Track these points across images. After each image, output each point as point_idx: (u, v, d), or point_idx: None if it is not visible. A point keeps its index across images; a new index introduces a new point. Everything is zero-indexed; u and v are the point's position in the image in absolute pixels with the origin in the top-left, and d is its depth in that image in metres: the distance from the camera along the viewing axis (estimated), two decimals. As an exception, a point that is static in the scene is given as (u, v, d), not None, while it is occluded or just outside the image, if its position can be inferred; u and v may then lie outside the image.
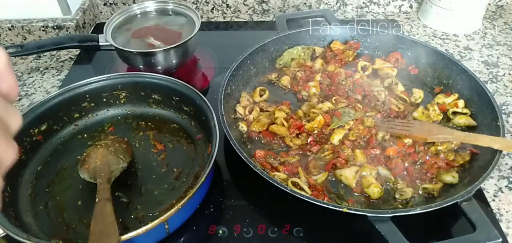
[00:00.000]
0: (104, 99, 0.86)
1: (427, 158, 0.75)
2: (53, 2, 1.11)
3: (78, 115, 0.84)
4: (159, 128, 0.84)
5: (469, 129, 0.81)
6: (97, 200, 0.63)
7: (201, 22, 0.98)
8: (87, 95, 0.84)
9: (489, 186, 0.74)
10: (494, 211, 0.70)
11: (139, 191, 0.72)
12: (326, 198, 0.69)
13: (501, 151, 0.69)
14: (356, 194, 0.71)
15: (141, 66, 0.95)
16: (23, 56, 1.09)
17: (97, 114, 0.86)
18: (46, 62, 1.08)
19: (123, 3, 1.25)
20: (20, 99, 0.96)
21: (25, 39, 1.15)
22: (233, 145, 0.70)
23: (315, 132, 0.81)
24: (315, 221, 0.67)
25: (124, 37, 0.98)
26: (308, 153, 0.77)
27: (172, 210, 0.59)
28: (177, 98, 0.83)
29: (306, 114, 0.85)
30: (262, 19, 1.26)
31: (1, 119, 0.31)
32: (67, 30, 1.13)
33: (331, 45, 1.01)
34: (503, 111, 0.89)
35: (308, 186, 0.70)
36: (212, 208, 0.70)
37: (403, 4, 1.26)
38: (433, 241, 0.63)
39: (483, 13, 1.17)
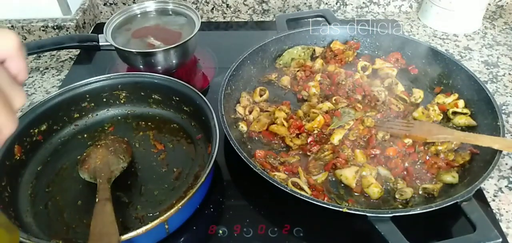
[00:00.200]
0: (104, 99, 0.86)
1: (427, 158, 0.75)
2: (53, 2, 1.11)
3: (78, 115, 0.84)
4: (159, 128, 0.84)
5: (469, 129, 0.81)
6: (97, 200, 0.63)
7: (201, 22, 0.98)
8: (87, 95, 0.84)
9: (489, 186, 0.74)
10: (494, 211, 0.70)
11: (139, 191, 0.72)
12: (326, 198, 0.69)
13: (501, 151, 0.69)
14: (356, 194, 0.71)
15: (141, 66, 0.95)
16: (23, 56, 1.09)
17: (97, 114, 0.86)
18: (46, 62, 1.08)
19: (123, 3, 1.25)
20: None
21: (25, 39, 1.15)
22: (233, 145, 0.70)
23: (315, 132, 0.81)
24: (315, 221, 0.67)
25: (124, 37, 0.98)
26: (308, 153, 0.77)
27: (172, 210, 0.59)
28: (177, 98, 0.83)
29: (306, 114, 0.85)
30: (262, 19, 1.26)
31: (6, 94, 0.34)
32: (67, 30, 1.13)
33: (331, 45, 1.01)
34: (503, 111, 0.89)
35: (308, 186, 0.70)
36: (212, 208, 0.70)
37: (403, 4, 1.26)
38: (433, 241, 0.63)
39: (483, 13, 1.17)
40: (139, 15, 1.04)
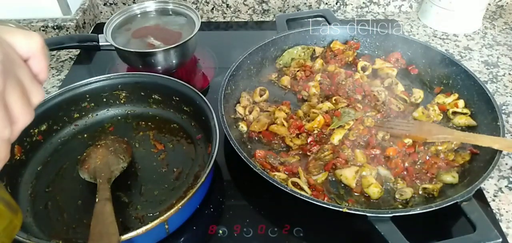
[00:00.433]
0: (104, 99, 0.86)
1: (427, 158, 0.75)
2: (53, 2, 1.11)
3: (78, 115, 0.84)
4: (159, 128, 0.84)
5: (469, 129, 0.81)
6: (97, 200, 0.63)
7: (201, 22, 0.98)
8: (87, 95, 0.84)
9: (489, 186, 0.74)
10: (494, 211, 0.70)
11: (139, 191, 0.72)
12: (326, 198, 0.69)
13: (501, 151, 0.69)
14: (356, 194, 0.71)
15: (141, 66, 0.95)
16: (23, 56, 1.09)
17: (97, 114, 0.86)
18: (46, 62, 1.08)
19: (123, 3, 1.25)
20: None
21: (25, 39, 1.15)
22: (233, 145, 0.70)
23: (315, 132, 0.81)
24: (315, 221, 0.67)
25: (124, 37, 0.98)
26: (308, 153, 0.77)
27: (172, 210, 0.59)
28: (177, 98, 0.83)
29: (306, 114, 0.85)
30: (262, 19, 1.26)
31: (26, 88, 0.37)
32: (67, 30, 1.13)
33: (331, 45, 1.01)
34: (503, 111, 0.89)
35: (308, 186, 0.70)
36: (212, 208, 0.70)
37: (403, 4, 1.26)
38: (433, 241, 0.63)
39: (483, 13, 1.17)
40: (139, 15, 1.04)
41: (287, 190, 0.63)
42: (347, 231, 0.67)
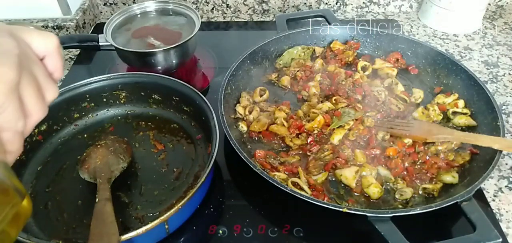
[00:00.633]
0: (104, 99, 0.86)
1: (427, 158, 0.75)
2: (53, 2, 1.11)
3: (78, 115, 0.84)
4: (159, 128, 0.84)
5: (469, 129, 0.81)
6: (97, 200, 0.63)
7: (201, 22, 0.98)
8: (87, 95, 0.84)
9: (489, 186, 0.74)
10: (494, 211, 0.70)
11: (139, 191, 0.72)
12: (326, 198, 0.69)
13: (501, 151, 0.69)
14: (356, 194, 0.71)
15: (141, 66, 0.95)
16: (23, 56, 1.08)
17: (97, 114, 0.86)
18: (46, 62, 1.08)
19: (123, 3, 1.25)
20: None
21: (25, 39, 1.15)
22: (233, 145, 0.70)
23: (315, 132, 0.81)
24: (315, 221, 0.67)
25: (124, 37, 0.98)
26: (308, 153, 0.77)
27: (172, 210, 0.59)
28: (177, 98, 0.83)
29: (306, 114, 0.85)
30: (262, 19, 1.26)
31: (41, 85, 0.38)
32: (67, 30, 1.13)
33: (331, 45, 1.02)
34: (503, 111, 0.89)
35: (308, 186, 0.70)
36: (212, 208, 0.70)
37: (403, 4, 1.26)
38: (433, 241, 0.63)
39: (483, 13, 1.17)
40: (139, 15, 1.04)
41: (287, 190, 0.63)
42: (347, 231, 0.67)
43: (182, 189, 0.71)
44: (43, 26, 1.12)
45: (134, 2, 1.24)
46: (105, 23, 0.97)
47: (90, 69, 1.06)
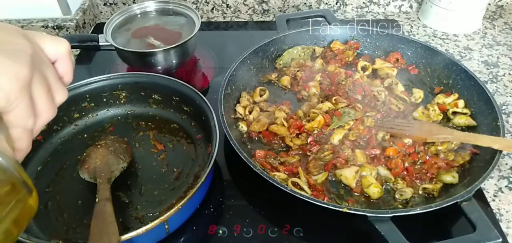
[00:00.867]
0: (104, 99, 0.86)
1: (427, 158, 0.75)
2: (53, 2, 1.11)
3: (78, 115, 0.84)
4: (159, 128, 0.84)
5: (469, 129, 0.81)
6: (97, 200, 0.63)
7: (201, 22, 0.98)
8: (87, 95, 0.84)
9: (489, 186, 0.74)
10: (494, 211, 0.70)
11: (139, 191, 0.72)
12: (326, 198, 0.69)
13: (501, 151, 0.69)
14: (356, 194, 0.71)
15: (141, 66, 0.95)
16: (23, 56, 1.08)
17: (97, 114, 0.86)
18: (46, 62, 1.08)
19: (123, 3, 1.25)
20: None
21: (25, 39, 1.15)
22: (233, 145, 0.70)
23: (315, 132, 0.81)
24: (315, 221, 0.67)
25: (124, 37, 0.98)
26: (308, 153, 0.77)
27: (172, 210, 0.59)
28: (177, 98, 0.83)
29: (306, 114, 0.85)
30: (262, 19, 1.26)
31: (51, 86, 0.40)
32: (67, 30, 1.13)
33: (331, 45, 1.01)
34: (503, 111, 0.89)
35: (308, 186, 0.70)
36: (212, 208, 0.70)
37: (403, 4, 1.26)
38: (433, 241, 0.63)
39: (483, 13, 1.17)
40: (139, 15, 1.04)
41: (287, 190, 0.63)
42: (347, 231, 0.67)
43: (182, 189, 0.71)
44: (43, 26, 1.12)
45: (134, 2, 1.24)
46: (105, 23, 0.97)
47: (90, 69, 1.06)
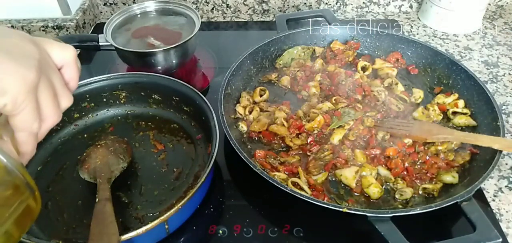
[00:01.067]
0: (104, 99, 0.86)
1: (427, 158, 0.75)
2: (53, 2, 1.11)
3: (78, 115, 0.84)
4: (159, 128, 0.84)
5: (469, 129, 0.81)
6: (97, 200, 0.63)
7: (201, 22, 0.98)
8: (87, 95, 0.84)
9: (489, 186, 0.74)
10: (494, 211, 0.70)
11: (139, 191, 0.72)
12: (326, 198, 0.69)
13: (501, 151, 0.69)
14: (356, 194, 0.71)
15: (141, 66, 0.95)
16: (23, 56, 1.08)
17: (97, 114, 0.86)
18: (46, 62, 1.08)
19: (123, 3, 1.25)
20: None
21: (25, 39, 1.14)
22: (233, 145, 0.70)
23: (315, 132, 0.81)
24: (315, 221, 0.67)
25: (124, 37, 0.98)
26: (308, 153, 0.77)
27: (172, 210, 0.59)
28: (177, 98, 0.83)
29: (306, 114, 0.85)
30: (262, 19, 1.26)
31: (57, 91, 0.41)
32: (67, 30, 1.13)
33: (331, 45, 1.01)
34: (503, 111, 0.89)
35: (308, 186, 0.70)
36: (212, 208, 0.70)
37: (403, 4, 1.26)
38: (433, 241, 0.63)
39: (483, 13, 1.17)
40: (139, 15, 1.04)
41: (287, 190, 0.63)
42: (347, 231, 0.67)
43: (182, 189, 0.71)
44: (43, 26, 1.12)
45: (134, 2, 1.24)
46: (105, 23, 0.97)
47: (90, 69, 1.06)
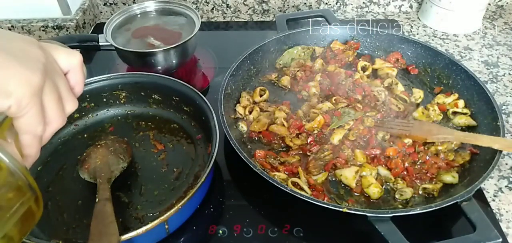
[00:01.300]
0: (104, 99, 0.86)
1: (427, 158, 0.75)
2: (53, 2, 1.11)
3: (78, 115, 0.84)
4: (159, 128, 0.84)
5: (469, 129, 0.81)
6: (97, 200, 0.63)
7: (201, 22, 0.98)
8: (87, 95, 0.84)
9: (489, 186, 0.74)
10: (494, 211, 0.70)
11: (139, 191, 0.72)
12: (326, 198, 0.69)
13: (501, 151, 0.69)
14: (356, 194, 0.71)
15: (141, 66, 0.95)
16: (23, 56, 1.08)
17: (97, 114, 0.86)
18: (46, 62, 1.08)
19: (123, 3, 1.25)
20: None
21: (25, 39, 1.14)
22: (233, 145, 0.70)
23: (315, 132, 0.81)
24: (315, 221, 0.67)
25: (124, 37, 0.98)
26: (308, 153, 0.77)
27: (172, 210, 0.59)
28: (177, 98, 0.83)
29: (306, 114, 0.85)
30: (262, 19, 1.26)
31: (62, 95, 0.41)
32: (67, 30, 1.13)
33: (331, 45, 1.01)
34: (503, 111, 0.89)
35: (308, 186, 0.70)
36: (212, 208, 0.70)
37: (403, 4, 1.26)
38: (433, 241, 0.63)
39: (483, 13, 1.17)
40: (139, 15, 1.04)
41: (287, 190, 0.63)
42: (347, 231, 0.67)
43: (182, 189, 0.71)
44: (43, 26, 1.12)
45: (134, 2, 1.24)
46: (105, 23, 0.97)
47: (90, 69, 1.06)
